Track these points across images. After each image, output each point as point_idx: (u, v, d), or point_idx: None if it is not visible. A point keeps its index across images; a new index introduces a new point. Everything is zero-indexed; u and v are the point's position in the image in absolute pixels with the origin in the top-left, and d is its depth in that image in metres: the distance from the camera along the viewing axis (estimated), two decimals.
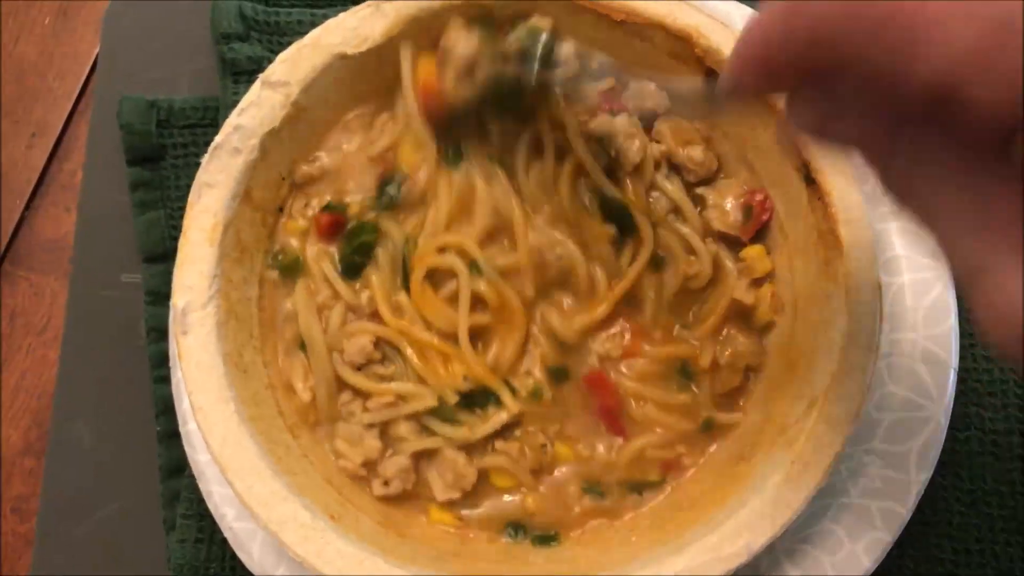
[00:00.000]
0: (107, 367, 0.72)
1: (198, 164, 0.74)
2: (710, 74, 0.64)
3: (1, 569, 0.70)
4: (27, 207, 0.78)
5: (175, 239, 0.73)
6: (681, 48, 0.63)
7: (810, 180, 0.60)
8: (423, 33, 0.63)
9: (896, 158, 0.36)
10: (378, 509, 0.60)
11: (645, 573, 0.54)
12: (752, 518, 0.54)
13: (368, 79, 0.66)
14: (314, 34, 0.64)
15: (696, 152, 0.65)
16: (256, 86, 0.63)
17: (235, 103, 0.72)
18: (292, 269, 0.64)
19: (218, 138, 0.61)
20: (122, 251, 0.74)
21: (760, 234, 0.65)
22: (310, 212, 0.65)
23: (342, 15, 0.64)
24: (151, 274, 0.72)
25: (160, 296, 0.72)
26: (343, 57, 0.64)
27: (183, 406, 0.64)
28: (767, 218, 0.64)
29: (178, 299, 0.58)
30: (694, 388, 0.62)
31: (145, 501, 0.69)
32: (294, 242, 0.64)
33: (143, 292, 0.72)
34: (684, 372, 0.63)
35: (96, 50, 0.82)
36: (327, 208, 0.64)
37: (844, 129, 0.37)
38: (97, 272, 0.74)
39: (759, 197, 0.64)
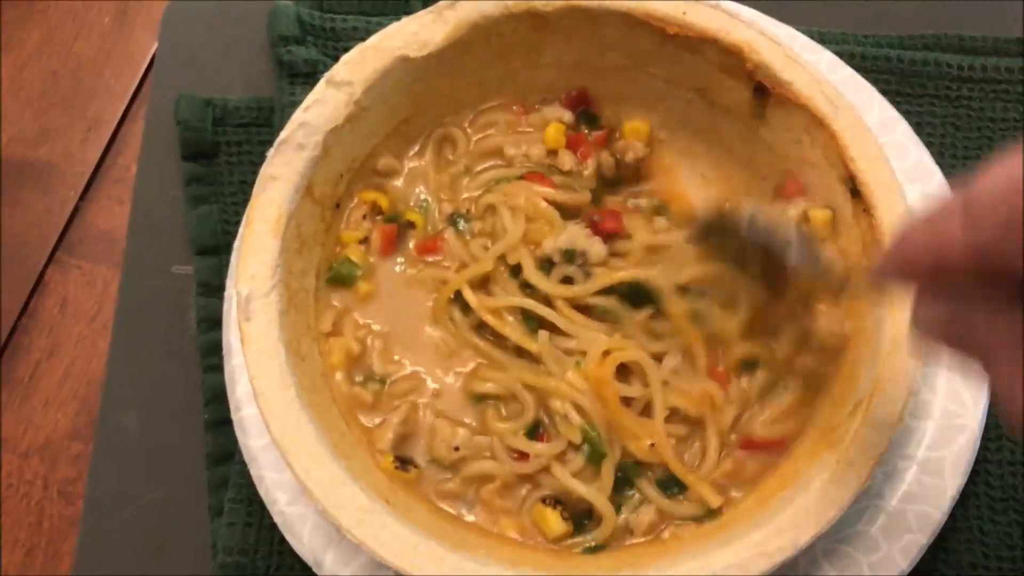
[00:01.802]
0: (155, 356, 0.73)
1: (251, 162, 0.78)
2: (759, 89, 0.66)
3: (47, 550, 0.71)
4: (81, 198, 0.80)
5: (227, 233, 0.75)
6: (732, 62, 0.66)
7: (855, 193, 0.62)
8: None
9: None
10: (425, 496, 0.62)
11: (690, 567, 0.55)
12: (798, 515, 0.55)
13: (426, 83, 0.68)
14: (377, 37, 0.66)
15: None
16: (321, 85, 0.65)
17: (291, 104, 0.75)
18: (345, 279, 0.67)
19: (284, 133, 0.63)
20: (173, 243, 0.76)
21: None
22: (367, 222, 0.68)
23: (404, 20, 0.67)
24: (203, 266, 0.74)
25: (211, 288, 0.73)
26: (405, 60, 0.66)
27: (236, 393, 0.66)
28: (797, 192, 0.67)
29: (242, 287, 0.60)
30: None
31: (189, 488, 0.70)
32: (352, 255, 0.67)
33: (195, 283, 0.74)
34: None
35: (152, 50, 0.84)
36: (390, 219, 0.68)
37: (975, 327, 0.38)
38: (148, 263, 0.76)
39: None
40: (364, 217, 0.68)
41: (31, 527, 0.71)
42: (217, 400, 0.70)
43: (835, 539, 0.62)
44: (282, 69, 0.77)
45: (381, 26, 0.72)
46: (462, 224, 0.68)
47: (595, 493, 0.61)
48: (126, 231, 0.76)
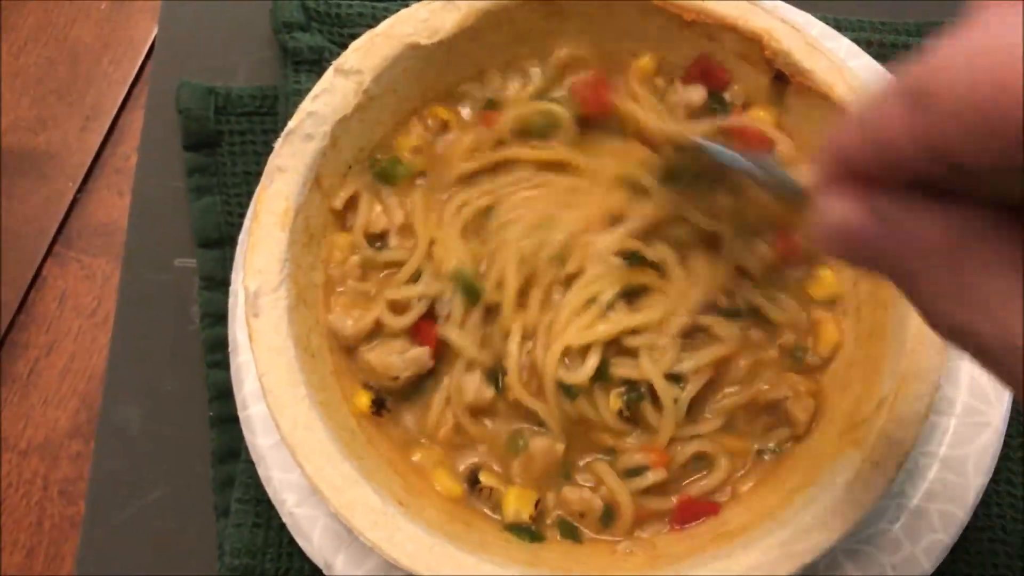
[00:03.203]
0: (157, 352, 0.72)
1: (255, 151, 0.76)
2: (778, 77, 0.64)
3: (48, 551, 0.69)
4: (80, 190, 0.78)
5: (231, 225, 0.73)
6: (750, 50, 0.64)
7: None
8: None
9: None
10: (440, 496, 0.60)
11: (714, 568, 0.54)
12: (824, 515, 0.54)
13: (437, 71, 0.66)
14: (386, 24, 0.64)
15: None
16: (329, 73, 0.63)
17: (296, 92, 0.73)
18: (389, 175, 0.65)
19: (291, 123, 0.61)
20: (175, 236, 0.74)
21: None
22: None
23: (414, 6, 0.65)
24: (206, 259, 0.72)
25: (215, 281, 0.71)
26: (415, 47, 0.64)
27: (243, 390, 0.64)
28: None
29: (250, 282, 0.58)
30: None
31: (193, 486, 0.68)
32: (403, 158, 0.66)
33: (198, 277, 0.72)
34: None
35: (151, 37, 0.82)
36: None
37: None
38: (150, 256, 0.74)
39: None
40: (427, 128, 0.67)
41: (31, 528, 0.70)
42: (222, 397, 0.68)
43: (857, 539, 0.60)
44: (286, 56, 0.75)
45: (387, 12, 0.70)
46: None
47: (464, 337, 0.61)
48: (126, 223, 0.74)
